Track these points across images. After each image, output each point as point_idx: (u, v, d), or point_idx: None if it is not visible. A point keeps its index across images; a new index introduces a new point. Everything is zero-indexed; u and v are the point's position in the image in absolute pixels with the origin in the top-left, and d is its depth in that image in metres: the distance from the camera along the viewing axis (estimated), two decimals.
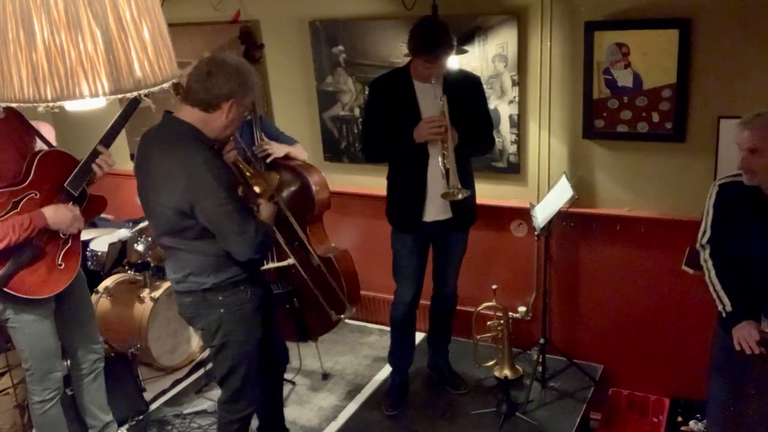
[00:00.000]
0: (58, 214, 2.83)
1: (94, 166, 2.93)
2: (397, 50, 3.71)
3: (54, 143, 3.20)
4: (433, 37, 3.01)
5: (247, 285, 2.70)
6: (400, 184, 3.34)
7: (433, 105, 3.14)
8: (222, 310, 2.68)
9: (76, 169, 2.91)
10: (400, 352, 3.66)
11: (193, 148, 2.47)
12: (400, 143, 3.18)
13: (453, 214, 3.30)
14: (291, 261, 3.51)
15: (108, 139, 2.99)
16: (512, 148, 3.71)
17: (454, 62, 3.49)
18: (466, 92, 3.23)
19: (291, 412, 3.64)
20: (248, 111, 2.67)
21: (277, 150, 3.47)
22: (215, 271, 2.63)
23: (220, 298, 2.67)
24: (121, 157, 4.85)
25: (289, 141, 3.60)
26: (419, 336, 4.04)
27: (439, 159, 3.12)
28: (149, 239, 4.06)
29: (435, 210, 3.28)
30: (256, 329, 2.77)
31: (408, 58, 3.23)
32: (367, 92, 3.42)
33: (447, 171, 3.10)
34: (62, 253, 2.93)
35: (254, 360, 2.80)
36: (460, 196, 3.08)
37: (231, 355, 2.77)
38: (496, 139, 3.72)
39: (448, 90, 3.13)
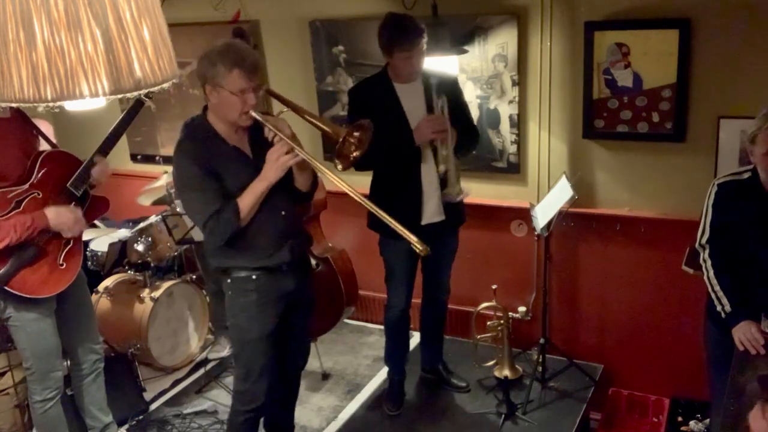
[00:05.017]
0: (60, 216, 2.84)
1: (92, 173, 2.96)
2: None
3: (53, 141, 3.21)
4: (403, 25, 3.00)
5: (259, 274, 2.73)
6: (393, 190, 3.26)
7: (417, 106, 3.13)
8: (230, 293, 2.78)
9: (79, 170, 2.92)
10: (397, 352, 3.66)
11: (180, 137, 2.67)
12: (398, 147, 3.11)
13: (446, 215, 3.29)
14: None
15: (106, 147, 3.01)
16: (512, 148, 3.71)
17: (453, 63, 3.50)
18: (447, 93, 3.18)
19: None
20: (245, 89, 2.49)
21: None
22: (222, 254, 2.72)
23: (228, 281, 2.77)
24: (121, 157, 4.86)
25: None
26: (415, 340, 4.06)
27: (438, 160, 3.09)
28: (149, 239, 4.06)
29: (431, 212, 3.26)
30: (260, 321, 2.77)
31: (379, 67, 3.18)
32: (347, 101, 3.31)
33: (446, 172, 3.10)
34: (64, 253, 2.93)
35: (258, 351, 2.80)
36: (459, 198, 3.08)
37: (233, 339, 2.89)
38: (496, 139, 3.73)
39: (429, 91, 3.12)
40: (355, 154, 2.73)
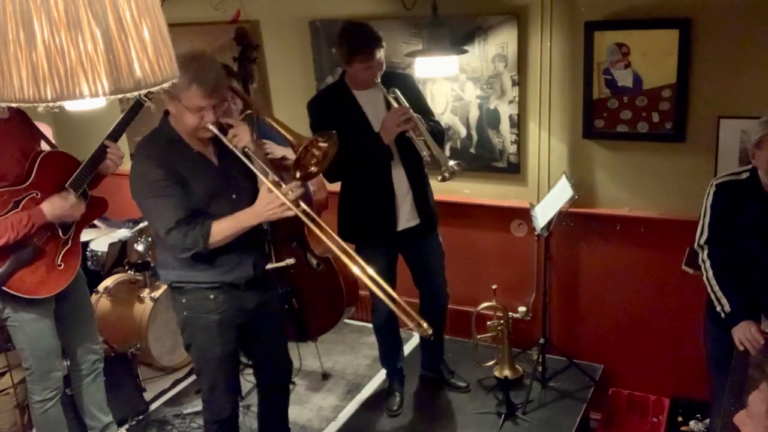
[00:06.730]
0: (55, 206, 2.83)
1: (107, 160, 2.93)
2: (397, 50, 3.71)
3: (53, 142, 3.21)
4: (362, 34, 3.00)
5: (218, 293, 2.62)
6: (365, 197, 3.24)
7: (379, 111, 3.13)
8: (185, 313, 2.67)
9: (78, 170, 2.91)
10: (391, 352, 3.66)
11: (142, 139, 2.58)
12: (368, 150, 3.10)
13: (420, 218, 3.28)
14: (290, 261, 3.51)
15: (115, 135, 2.99)
16: (512, 148, 3.71)
17: (453, 63, 3.50)
18: (403, 90, 3.17)
19: (291, 412, 3.62)
20: (202, 107, 2.38)
21: (275, 151, 3.47)
22: (176, 268, 2.60)
23: (184, 300, 2.65)
24: None
25: (284, 143, 3.60)
26: (414, 340, 4.06)
27: (419, 147, 3.08)
28: (149, 239, 4.06)
29: (405, 217, 3.26)
30: (222, 340, 2.68)
31: (329, 80, 3.20)
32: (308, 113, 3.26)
33: (431, 155, 3.07)
34: (62, 254, 2.93)
35: (221, 369, 2.74)
36: (458, 169, 3.05)
37: (194, 358, 2.79)
38: (496, 139, 3.73)
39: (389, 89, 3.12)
40: (313, 169, 2.65)
